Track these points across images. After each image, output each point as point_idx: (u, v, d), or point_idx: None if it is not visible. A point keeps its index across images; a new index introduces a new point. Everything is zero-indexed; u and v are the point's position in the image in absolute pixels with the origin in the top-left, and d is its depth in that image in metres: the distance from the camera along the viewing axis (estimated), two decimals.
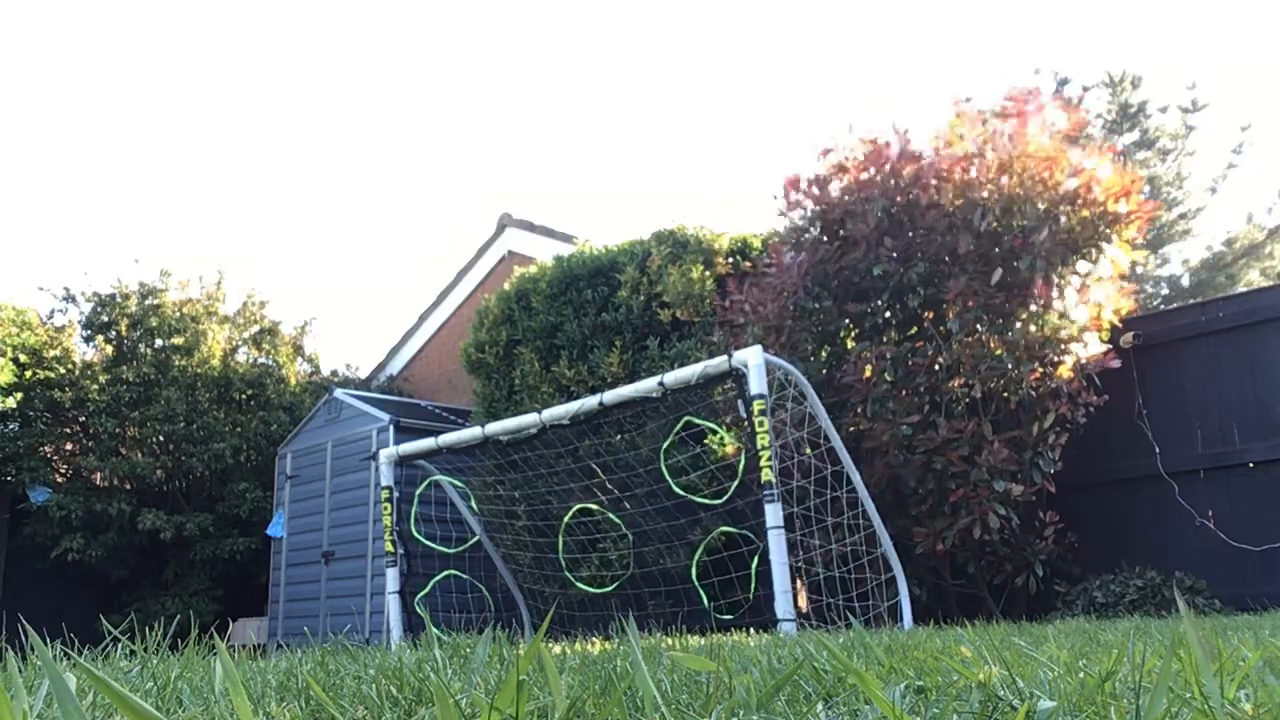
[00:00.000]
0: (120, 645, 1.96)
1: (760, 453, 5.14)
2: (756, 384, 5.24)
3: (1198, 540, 6.52)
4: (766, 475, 5.11)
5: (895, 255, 6.59)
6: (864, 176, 6.87)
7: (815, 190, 7.09)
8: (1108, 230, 6.56)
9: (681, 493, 6.35)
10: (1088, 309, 6.53)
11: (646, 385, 5.89)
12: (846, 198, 6.86)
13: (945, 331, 6.42)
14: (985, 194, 6.46)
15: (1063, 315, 6.39)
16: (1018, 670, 1.40)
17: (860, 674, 1.05)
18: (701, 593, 6.28)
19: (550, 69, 31.44)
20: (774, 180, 7.46)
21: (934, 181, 6.57)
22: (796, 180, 7.24)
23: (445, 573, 7.67)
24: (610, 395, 6.09)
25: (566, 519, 7.13)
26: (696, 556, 6.44)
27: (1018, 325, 6.37)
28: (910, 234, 6.64)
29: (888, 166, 6.78)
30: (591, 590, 6.97)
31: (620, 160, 39.27)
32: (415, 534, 7.41)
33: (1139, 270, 18.18)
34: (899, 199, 6.68)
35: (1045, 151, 6.51)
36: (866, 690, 1.02)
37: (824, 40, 31.79)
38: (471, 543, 7.64)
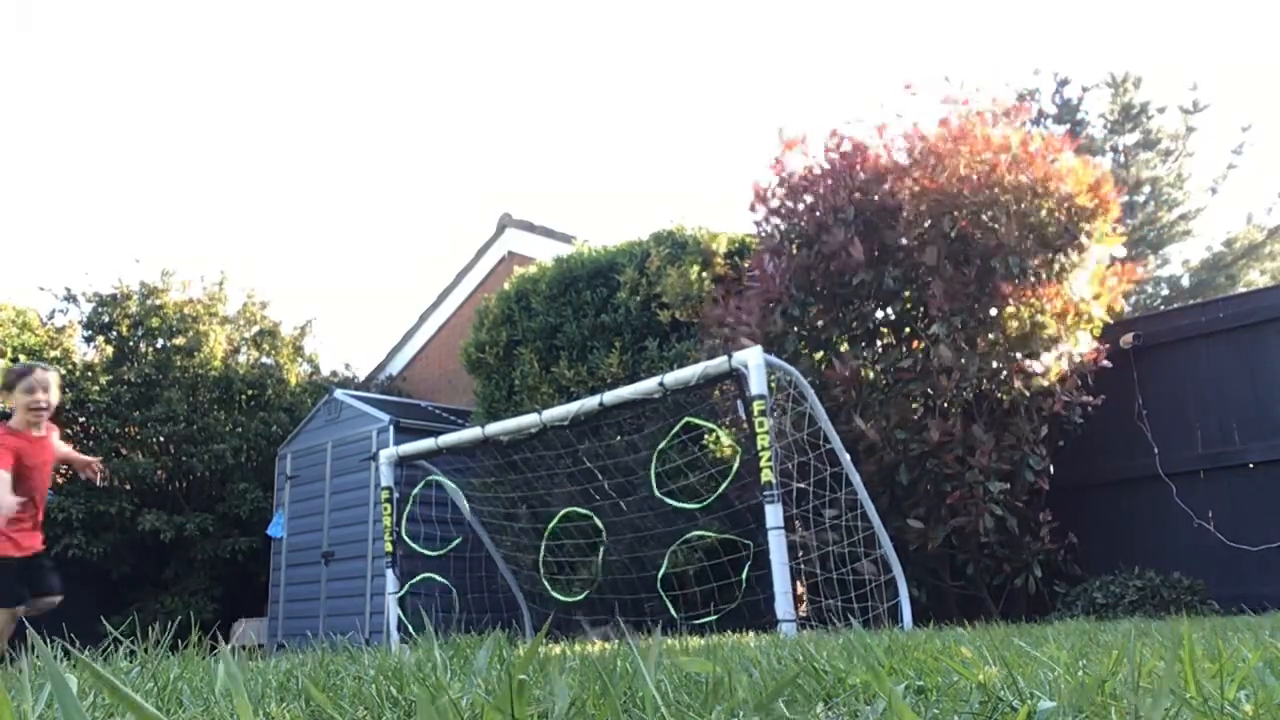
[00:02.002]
0: (121, 646, 1.96)
1: (761, 453, 5.13)
2: (757, 384, 5.23)
3: (1196, 541, 6.51)
4: (767, 476, 5.10)
5: (870, 262, 6.57)
6: (835, 182, 6.81)
7: (788, 200, 7.04)
8: (1085, 225, 6.55)
9: (667, 500, 6.29)
10: (1070, 306, 6.52)
11: (647, 386, 5.88)
12: (819, 206, 6.81)
13: (933, 335, 6.41)
14: (945, 200, 6.43)
15: (1043, 313, 6.38)
16: (1018, 671, 1.40)
17: (875, 672, 1.05)
18: (667, 602, 6.14)
19: (550, 69, 31.45)
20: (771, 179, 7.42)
21: (904, 189, 6.55)
22: (763, 191, 7.19)
23: (438, 575, 7.66)
24: (611, 396, 6.08)
25: (551, 525, 7.06)
26: (664, 568, 6.33)
27: (999, 325, 6.36)
28: (883, 241, 6.62)
29: (857, 174, 6.74)
30: (567, 599, 6.90)
31: (620, 160, 39.28)
32: (405, 537, 7.38)
33: (1138, 271, 18.19)
34: (873, 201, 6.64)
35: (996, 150, 6.49)
36: (879, 688, 1.02)
37: (825, 40, 31.81)
38: (454, 544, 7.60)
